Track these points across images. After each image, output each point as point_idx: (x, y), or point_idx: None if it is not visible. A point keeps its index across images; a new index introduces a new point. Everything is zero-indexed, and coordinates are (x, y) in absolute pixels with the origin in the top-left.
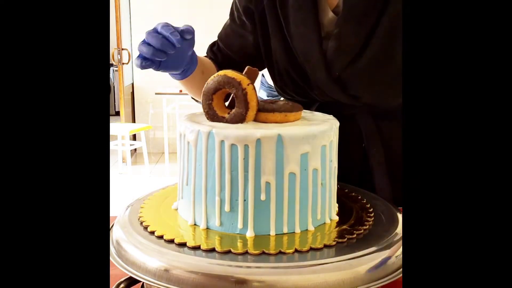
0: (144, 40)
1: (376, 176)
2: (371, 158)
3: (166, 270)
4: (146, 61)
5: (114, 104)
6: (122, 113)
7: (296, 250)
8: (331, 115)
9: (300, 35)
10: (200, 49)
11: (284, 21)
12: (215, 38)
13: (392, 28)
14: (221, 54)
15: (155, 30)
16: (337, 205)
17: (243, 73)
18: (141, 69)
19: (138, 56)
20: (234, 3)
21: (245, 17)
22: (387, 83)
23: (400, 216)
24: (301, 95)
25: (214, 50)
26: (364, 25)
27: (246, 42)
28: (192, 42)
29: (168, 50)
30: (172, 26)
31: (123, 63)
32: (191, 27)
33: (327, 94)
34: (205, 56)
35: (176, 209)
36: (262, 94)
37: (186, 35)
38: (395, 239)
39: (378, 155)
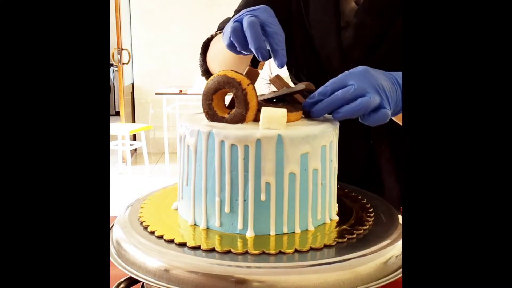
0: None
1: (384, 174)
2: (379, 156)
3: (166, 270)
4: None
5: (114, 104)
6: (122, 113)
7: (296, 250)
8: (331, 115)
9: (319, 22)
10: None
11: (304, 6)
12: None
13: None
14: None
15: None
16: (337, 205)
17: (244, 73)
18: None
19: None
20: None
21: None
22: None
23: (400, 216)
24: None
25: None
26: (383, 19)
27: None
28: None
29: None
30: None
31: (123, 63)
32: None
33: None
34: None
35: (176, 209)
36: None
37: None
38: (395, 239)
39: (386, 152)
